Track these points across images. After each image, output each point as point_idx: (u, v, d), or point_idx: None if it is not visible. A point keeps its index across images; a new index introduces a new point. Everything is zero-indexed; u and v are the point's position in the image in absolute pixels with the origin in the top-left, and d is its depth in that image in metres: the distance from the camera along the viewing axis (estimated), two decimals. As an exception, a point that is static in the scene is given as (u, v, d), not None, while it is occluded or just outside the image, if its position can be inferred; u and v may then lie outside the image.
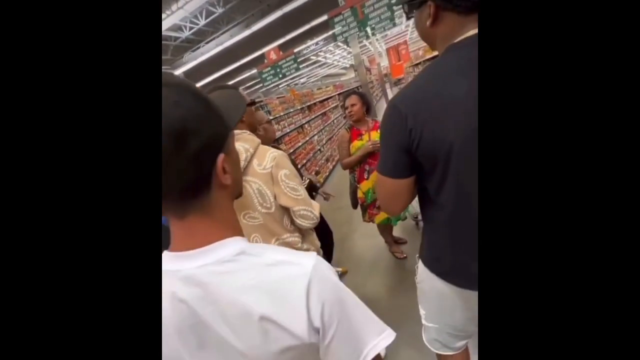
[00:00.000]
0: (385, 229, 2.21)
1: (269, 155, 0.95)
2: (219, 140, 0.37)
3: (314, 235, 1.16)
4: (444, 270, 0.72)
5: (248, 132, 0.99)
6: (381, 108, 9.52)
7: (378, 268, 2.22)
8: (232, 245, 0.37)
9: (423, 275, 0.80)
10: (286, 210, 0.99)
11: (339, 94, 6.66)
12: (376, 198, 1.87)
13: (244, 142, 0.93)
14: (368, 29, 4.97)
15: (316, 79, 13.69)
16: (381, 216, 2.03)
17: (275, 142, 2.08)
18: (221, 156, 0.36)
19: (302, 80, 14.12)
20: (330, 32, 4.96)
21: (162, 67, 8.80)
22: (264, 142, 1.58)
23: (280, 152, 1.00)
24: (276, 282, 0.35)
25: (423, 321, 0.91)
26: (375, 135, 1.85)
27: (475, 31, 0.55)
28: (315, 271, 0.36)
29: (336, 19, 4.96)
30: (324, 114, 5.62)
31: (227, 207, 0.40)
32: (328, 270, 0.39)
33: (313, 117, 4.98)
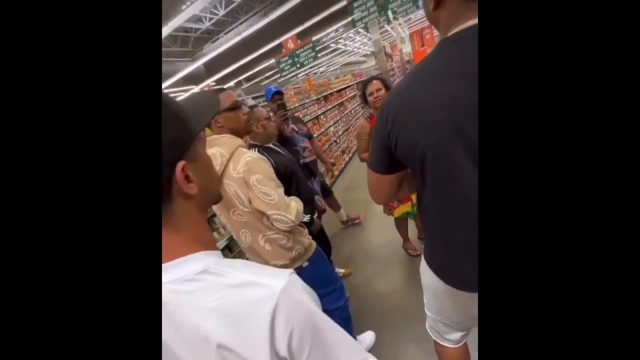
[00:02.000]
0: (401, 224, 2.14)
1: (243, 160, 0.97)
2: (177, 146, 0.34)
3: (304, 234, 1.16)
4: (437, 269, 0.75)
5: (228, 135, 1.00)
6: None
7: (391, 264, 2.17)
8: (195, 262, 0.34)
9: (423, 266, 0.81)
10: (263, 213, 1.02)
11: (357, 83, 6.47)
12: None
13: (220, 147, 0.95)
14: (389, 13, 4.74)
15: (335, 67, 13.41)
16: (400, 210, 1.97)
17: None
18: (180, 164, 0.34)
19: (321, 70, 13.90)
20: (349, 19, 4.78)
21: (183, 58, 8.99)
22: (263, 140, 1.43)
23: (256, 155, 1.00)
24: (238, 305, 0.32)
25: (425, 308, 0.94)
26: None
27: (468, 23, 0.50)
28: (285, 293, 0.33)
29: (355, 4, 4.77)
30: (341, 104, 5.49)
31: (194, 219, 0.37)
32: (301, 292, 0.35)
33: (329, 107, 4.88)
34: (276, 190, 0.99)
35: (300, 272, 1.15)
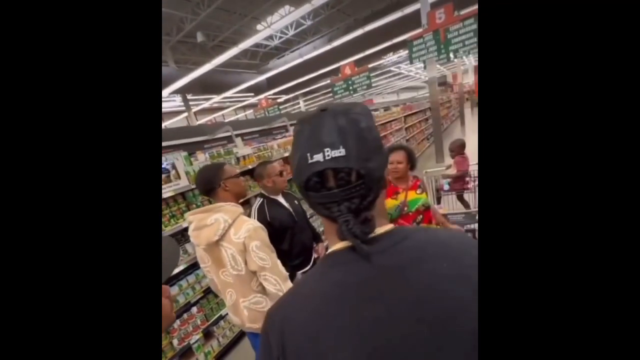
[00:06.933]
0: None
1: (244, 227, 1.12)
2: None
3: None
4: None
5: (232, 203, 1.17)
6: (452, 131, 8.81)
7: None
8: None
9: None
10: (255, 273, 1.16)
11: (405, 117, 6.45)
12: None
13: (224, 214, 1.12)
14: (451, 54, 4.73)
15: (392, 90, 13.41)
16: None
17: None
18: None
19: (377, 92, 14.00)
20: (407, 52, 4.86)
21: (250, 71, 9.79)
22: (272, 192, 1.60)
23: (256, 224, 1.15)
24: None
25: None
26: (412, 195, 1.70)
27: (382, 229, 0.39)
28: None
29: (415, 42, 4.86)
30: (384, 137, 5.54)
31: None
32: None
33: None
34: (270, 256, 1.15)
35: None
